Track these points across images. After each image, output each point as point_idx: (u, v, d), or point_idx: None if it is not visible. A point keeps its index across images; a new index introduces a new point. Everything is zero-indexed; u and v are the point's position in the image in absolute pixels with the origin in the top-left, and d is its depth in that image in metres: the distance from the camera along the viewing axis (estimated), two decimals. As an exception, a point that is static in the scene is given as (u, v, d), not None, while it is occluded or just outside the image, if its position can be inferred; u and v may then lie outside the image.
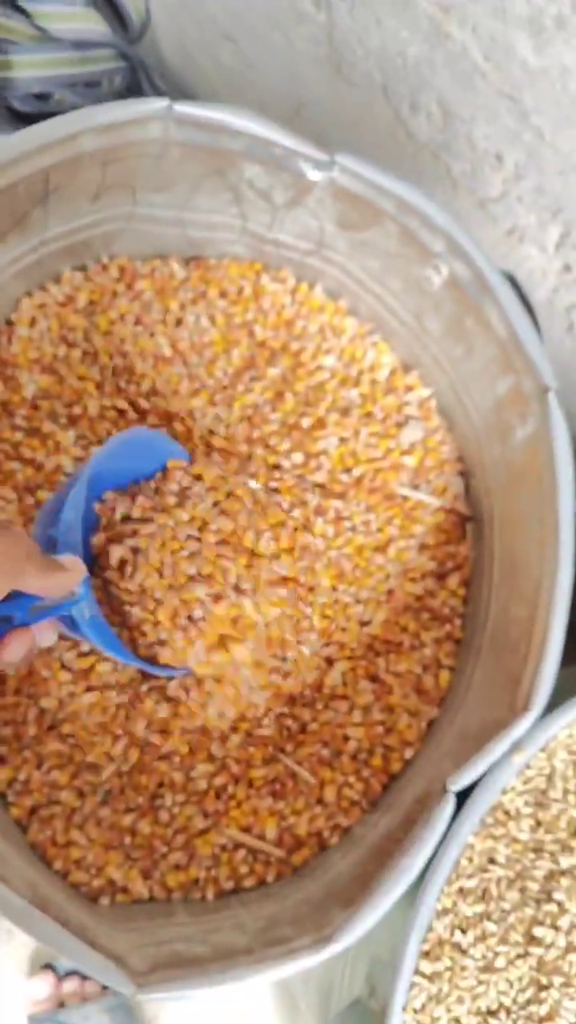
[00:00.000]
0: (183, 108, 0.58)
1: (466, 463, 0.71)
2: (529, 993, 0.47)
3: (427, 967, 0.48)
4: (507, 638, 0.59)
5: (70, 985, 0.94)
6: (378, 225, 0.63)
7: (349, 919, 0.48)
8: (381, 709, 0.65)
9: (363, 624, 0.68)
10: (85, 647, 0.64)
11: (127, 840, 0.62)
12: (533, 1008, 0.47)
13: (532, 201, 0.70)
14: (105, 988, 0.96)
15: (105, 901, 0.60)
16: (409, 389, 0.72)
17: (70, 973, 0.95)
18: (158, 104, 0.58)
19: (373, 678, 0.67)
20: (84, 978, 0.96)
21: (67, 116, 0.57)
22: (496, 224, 0.75)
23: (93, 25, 0.90)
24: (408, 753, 0.64)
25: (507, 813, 0.51)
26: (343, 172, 0.60)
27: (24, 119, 0.92)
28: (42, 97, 0.91)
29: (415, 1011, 0.47)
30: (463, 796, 0.52)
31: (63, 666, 0.64)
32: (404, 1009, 0.46)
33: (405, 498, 0.69)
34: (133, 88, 0.98)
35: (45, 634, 0.47)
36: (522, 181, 0.70)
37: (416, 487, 0.70)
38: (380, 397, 0.71)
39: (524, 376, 0.59)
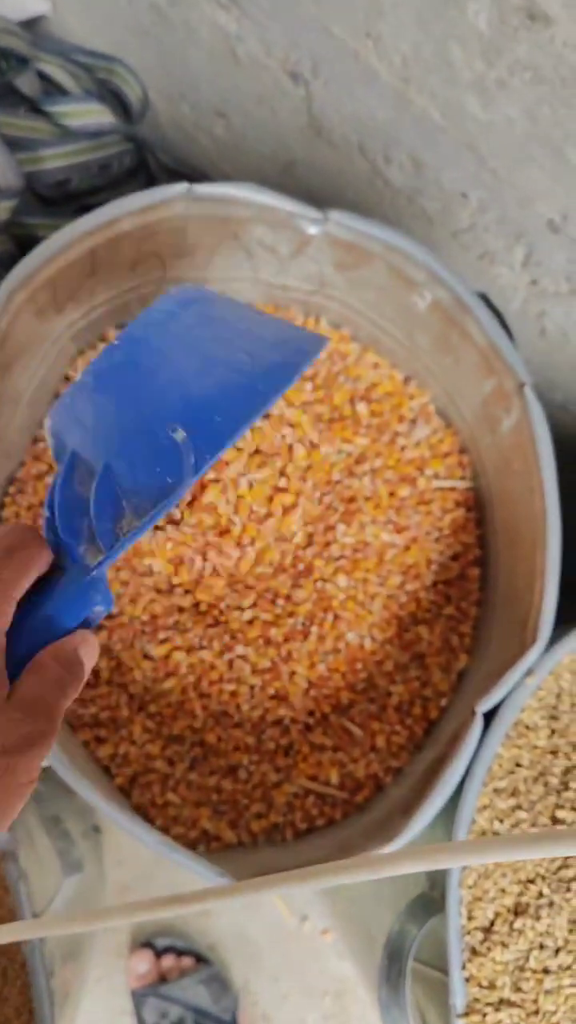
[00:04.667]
0: (200, 188, 0.71)
1: (467, 454, 0.83)
2: (558, 862, 0.58)
3: (475, 855, 0.60)
4: (515, 591, 0.71)
5: (167, 961, 1.05)
6: (368, 264, 0.76)
7: (409, 821, 0.60)
8: (417, 667, 0.77)
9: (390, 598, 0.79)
10: (162, 635, 0.75)
11: (214, 797, 0.74)
12: (562, 872, 0.58)
13: (497, 229, 0.83)
14: (199, 961, 1.06)
15: (202, 849, 0.72)
16: (411, 397, 0.84)
17: (166, 950, 1.06)
18: (179, 187, 0.71)
19: (407, 643, 0.78)
20: (179, 954, 1.07)
21: (110, 206, 0.70)
22: (468, 251, 0.87)
23: (103, 116, 1.04)
24: (443, 701, 0.76)
25: (527, 727, 0.63)
26: (335, 224, 0.73)
27: (49, 203, 1.06)
28: (62, 183, 1.05)
29: (469, 887, 0.58)
30: (489, 718, 0.63)
31: (145, 656, 0.76)
32: (460, 885, 0.58)
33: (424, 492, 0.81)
34: (140, 165, 1.12)
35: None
36: (486, 213, 0.82)
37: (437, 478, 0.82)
38: (386, 406, 0.84)
39: (504, 376, 0.72)
